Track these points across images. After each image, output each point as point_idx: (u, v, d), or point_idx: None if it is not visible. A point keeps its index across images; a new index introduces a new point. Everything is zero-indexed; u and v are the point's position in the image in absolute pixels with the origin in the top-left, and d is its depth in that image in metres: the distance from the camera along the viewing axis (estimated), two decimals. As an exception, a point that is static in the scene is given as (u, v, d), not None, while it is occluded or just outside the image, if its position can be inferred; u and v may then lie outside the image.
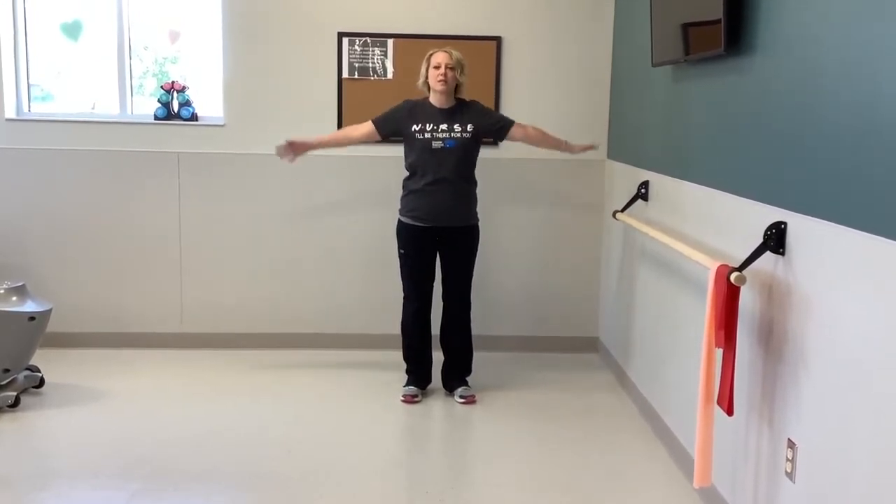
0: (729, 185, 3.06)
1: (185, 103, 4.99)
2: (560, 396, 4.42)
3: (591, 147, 4.45)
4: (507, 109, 4.93)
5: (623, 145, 4.71)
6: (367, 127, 4.29)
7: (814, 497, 2.41)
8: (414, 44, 4.84)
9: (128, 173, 4.97)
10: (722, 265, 2.72)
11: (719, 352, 2.73)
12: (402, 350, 4.43)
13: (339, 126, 4.90)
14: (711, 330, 2.72)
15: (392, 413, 4.17)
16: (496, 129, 4.30)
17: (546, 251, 5.14)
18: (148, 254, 5.04)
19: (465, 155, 4.20)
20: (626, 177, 4.55)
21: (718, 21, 2.96)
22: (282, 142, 4.30)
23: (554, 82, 4.99)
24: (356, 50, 4.91)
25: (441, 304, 4.38)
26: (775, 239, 2.61)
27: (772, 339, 2.68)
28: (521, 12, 4.93)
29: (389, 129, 4.27)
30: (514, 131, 4.30)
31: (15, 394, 4.03)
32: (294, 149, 4.30)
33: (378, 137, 4.31)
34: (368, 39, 4.91)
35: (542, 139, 4.37)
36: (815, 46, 2.43)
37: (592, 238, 5.14)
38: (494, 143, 4.79)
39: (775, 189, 2.67)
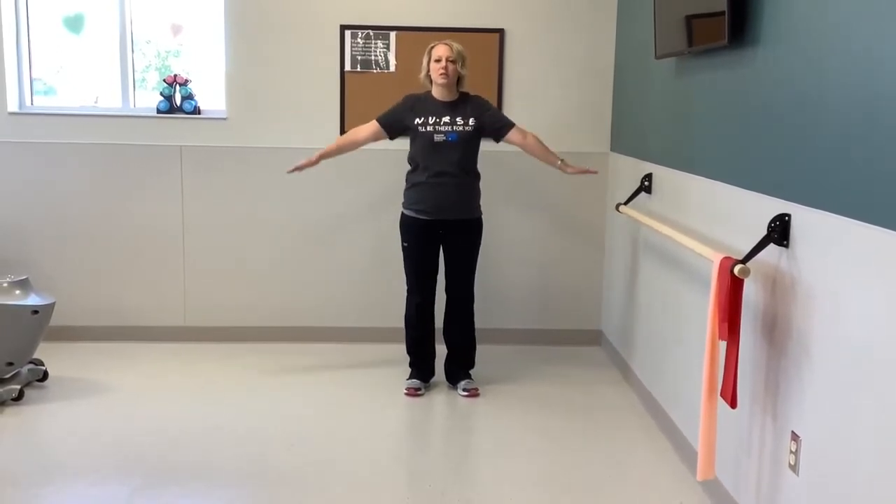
0: (732, 177, 3.05)
1: (188, 97, 4.99)
2: (563, 390, 4.42)
3: (585, 171, 4.29)
4: (509, 102, 4.92)
5: (626, 138, 4.70)
6: (372, 126, 4.27)
7: (817, 490, 2.41)
8: (416, 36, 4.83)
9: (130, 167, 4.97)
10: (725, 258, 2.72)
11: (723, 344, 2.73)
12: (405, 343, 4.43)
13: (342, 119, 4.92)
14: (715, 322, 2.72)
15: (395, 406, 4.17)
16: (495, 128, 4.25)
17: (549, 244, 5.14)
18: (151, 247, 5.04)
19: (467, 148, 4.19)
20: (629, 169, 4.54)
21: (722, 13, 2.95)
22: (290, 168, 4.32)
23: (557, 75, 4.98)
24: (359, 43, 4.90)
25: (444, 297, 4.38)
26: (779, 231, 2.60)
27: (775, 331, 2.68)
28: (523, 4, 4.92)
29: (396, 127, 4.25)
30: (511, 135, 4.24)
31: (19, 387, 4.04)
32: (308, 164, 4.30)
33: (385, 136, 4.29)
34: (371, 32, 4.89)
35: (538, 150, 4.27)
36: (819, 38, 2.42)
37: (595, 231, 5.13)
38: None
39: (779, 181, 2.66)
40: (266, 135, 4.96)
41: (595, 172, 4.39)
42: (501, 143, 4.31)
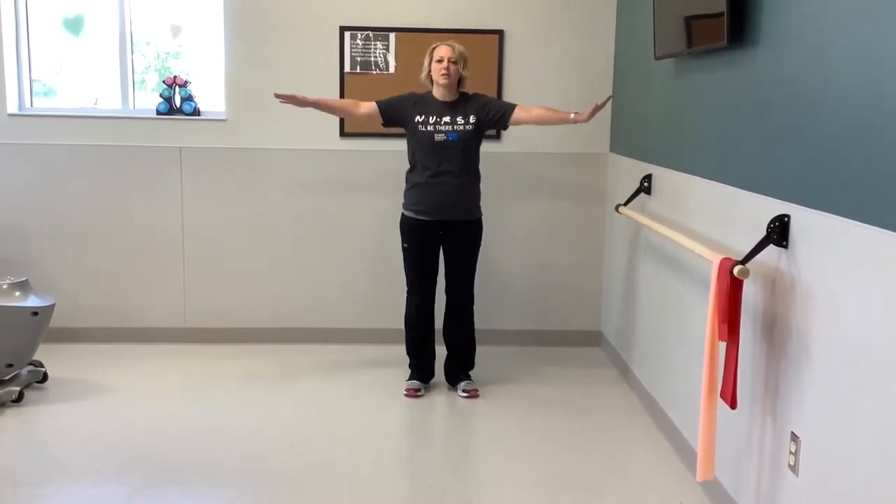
0: (732, 178, 3.06)
1: (188, 98, 4.99)
2: (563, 390, 4.42)
3: (596, 108, 4.08)
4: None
5: (626, 139, 4.71)
6: (370, 107, 4.24)
7: (817, 490, 2.41)
8: (416, 38, 4.83)
9: (130, 168, 4.97)
10: (725, 258, 2.72)
11: (722, 345, 2.73)
12: (405, 344, 4.43)
13: (342, 121, 4.91)
14: (714, 323, 2.72)
15: (395, 407, 4.17)
16: (499, 116, 4.22)
17: (549, 245, 5.14)
18: (151, 248, 5.04)
19: (467, 147, 4.19)
20: (629, 170, 4.54)
21: (721, 14, 2.95)
22: (288, 92, 4.19)
23: (556, 76, 4.98)
24: (358, 44, 4.91)
25: (444, 298, 4.38)
26: (778, 232, 2.60)
27: (775, 332, 2.68)
28: (523, 5, 4.92)
29: (393, 115, 4.23)
30: (517, 114, 4.19)
31: (18, 389, 4.04)
32: (296, 101, 4.21)
33: (380, 120, 4.27)
34: (370, 33, 4.90)
35: (547, 116, 4.20)
36: (819, 38, 2.43)
37: (595, 232, 5.13)
38: (498, 133, 4.80)
39: (778, 182, 2.66)
40: (266, 136, 4.96)
41: (607, 99, 4.17)
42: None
